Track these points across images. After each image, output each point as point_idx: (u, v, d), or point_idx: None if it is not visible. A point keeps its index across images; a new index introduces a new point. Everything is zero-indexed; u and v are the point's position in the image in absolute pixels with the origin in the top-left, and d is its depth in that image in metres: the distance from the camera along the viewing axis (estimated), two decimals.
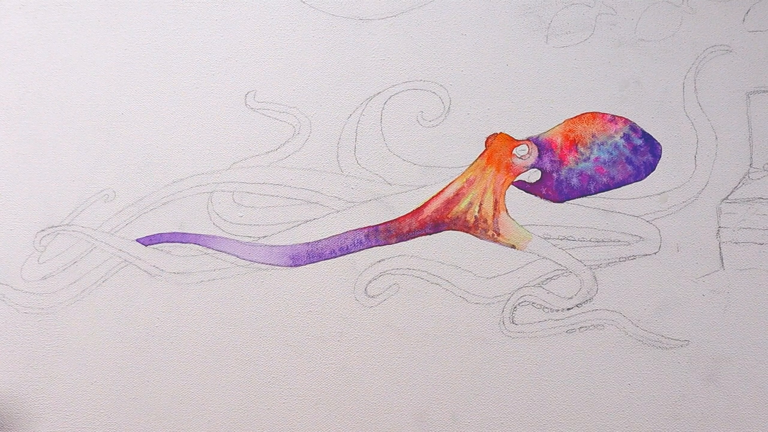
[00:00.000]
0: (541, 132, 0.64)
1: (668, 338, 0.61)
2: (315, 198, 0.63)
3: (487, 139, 0.64)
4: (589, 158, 0.63)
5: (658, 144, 0.63)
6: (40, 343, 0.61)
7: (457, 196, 0.63)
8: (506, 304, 0.61)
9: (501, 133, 0.64)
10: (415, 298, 0.62)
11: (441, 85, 0.64)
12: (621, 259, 0.62)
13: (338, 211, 0.63)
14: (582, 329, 0.61)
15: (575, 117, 0.64)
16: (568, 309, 0.61)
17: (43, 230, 0.62)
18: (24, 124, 0.64)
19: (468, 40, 0.65)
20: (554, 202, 0.63)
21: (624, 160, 0.63)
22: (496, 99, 0.64)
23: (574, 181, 0.63)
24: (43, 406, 0.61)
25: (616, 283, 0.62)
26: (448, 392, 0.60)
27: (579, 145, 0.63)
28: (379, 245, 0.62)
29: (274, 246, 0.62)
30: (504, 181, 0.63)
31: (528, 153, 0.63)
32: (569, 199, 0.63)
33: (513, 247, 0.62)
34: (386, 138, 0.64)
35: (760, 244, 0.62)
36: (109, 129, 0.64)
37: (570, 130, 0.63)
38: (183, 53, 0.65)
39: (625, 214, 0.63)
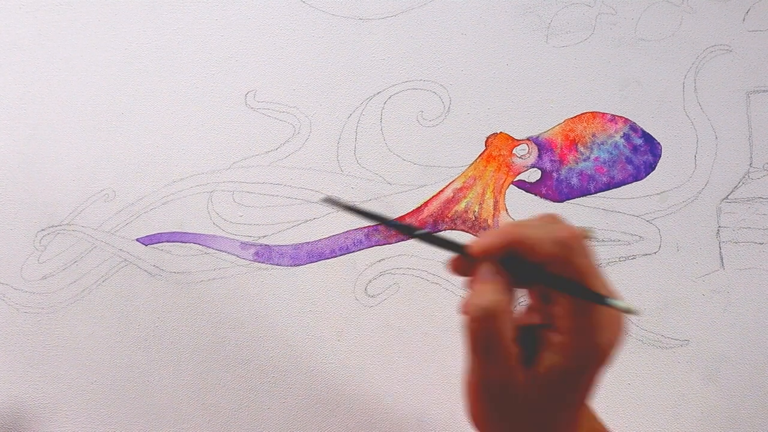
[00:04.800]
0: (541, 132, 0.64)
1: (668, 338, 0.61)
2: (315, 198, 0.63)
3: (487, 138, 0.64)
4: (589, 158, 0.63)
5: (658, 144, 0.63)
6: (40, 343, 0.61)
7: (457, 195, 0.63)
8: None
9: (501, 132, 0.64)
10: (415, 298, 0.62)
11: (441, 85, 0.64)
12: (621, 259, 0.62)
13: (338, 211, 0.63)
14: None
15: (575, 117, 0.64)
16: None
17: (43, 230, 0.62)
18: (24, 124, 0.64)
19: (468, 40, 0.65)
20: (554, 201, 0.63)
21: (624, 160, 0.63)
22: (496, 99, 0.64)
23: (574, 180, 0.63)
24: (43, 406, 0.61)
25: (616, 283, 0.61)
26: (448, 392, 0.60)
27: (579, 145, 0.63)
28: (379, 245, 0.62)
29: (274, 246, 0.62)
30: (504, 181, 0.63)
31: (528, 152, 0.63)
32: (569, 199, 0.63)
33: None
34: (386, 138, 0.64)
35: (760, 243, 0.62)
36: (109, 129, 0.64)
37: (570, 130, 0.63)
38: (183, 53, 0.65)
39: (625, 213, 0.63)
